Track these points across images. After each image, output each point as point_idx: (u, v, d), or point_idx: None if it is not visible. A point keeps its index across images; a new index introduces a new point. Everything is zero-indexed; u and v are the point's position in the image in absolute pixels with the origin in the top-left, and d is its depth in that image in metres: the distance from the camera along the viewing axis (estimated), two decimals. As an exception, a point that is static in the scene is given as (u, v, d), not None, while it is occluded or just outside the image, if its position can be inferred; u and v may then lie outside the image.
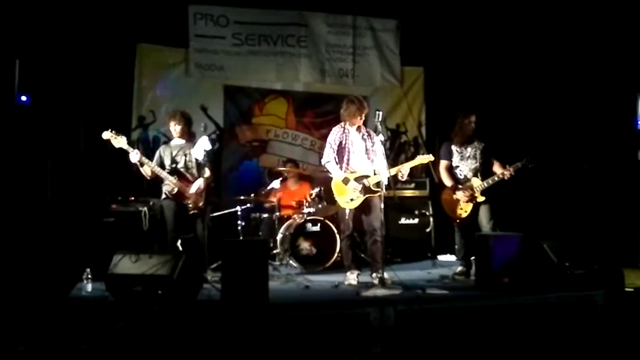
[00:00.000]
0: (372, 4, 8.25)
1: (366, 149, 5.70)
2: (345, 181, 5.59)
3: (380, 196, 5.48)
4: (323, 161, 5.79)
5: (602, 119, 7.32)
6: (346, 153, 5.68)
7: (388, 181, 5.51)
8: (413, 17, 8.32)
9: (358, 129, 5.73)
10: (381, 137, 5.56)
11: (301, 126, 8.27)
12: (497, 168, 5.90)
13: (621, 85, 7.19)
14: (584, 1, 7.37)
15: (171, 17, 7.58)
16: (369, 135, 5.74)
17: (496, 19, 7.88)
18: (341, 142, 5.69)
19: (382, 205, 5.43)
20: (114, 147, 5.58)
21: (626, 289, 4.96)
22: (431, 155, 5.84)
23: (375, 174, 5.57)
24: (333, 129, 5.80)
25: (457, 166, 6.03)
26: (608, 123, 7.28)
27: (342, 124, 5.77)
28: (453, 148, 6.06)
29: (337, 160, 5.68)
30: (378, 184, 5.51)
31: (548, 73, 7.70)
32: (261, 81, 8.10)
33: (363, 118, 5.70)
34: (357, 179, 5.59)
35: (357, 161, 5.69)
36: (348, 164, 5.68)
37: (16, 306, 4.27)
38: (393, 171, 5.65)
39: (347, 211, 5.65)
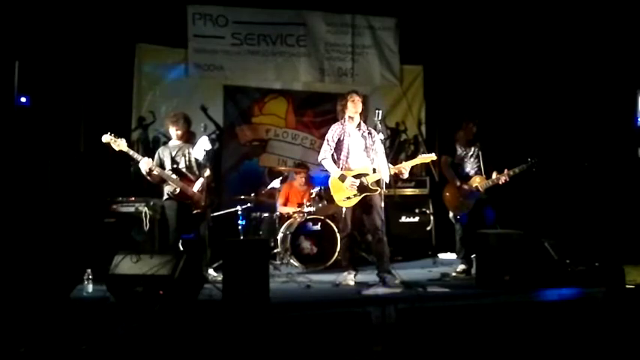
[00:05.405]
0: (371, 3, 8.25)
1: (366, 147, 5.56)
2: (342, 178, 5.47)
3: (380, 194, 5.44)
4: (319, 158, 5.68)
5: (602, 116, 7.31)
6: (344, 150, 5.57)
7: (389, 180, 5.48)
8: (412, 15, 8.32)
9: (358, 126, 5.61)
10: (381, 135, 5.53)
11: (301, 125, 8.27)
12: (494, 174, 5.94)
13: (621, 82, 7.18)
14: (583, -1, 7.38)
15: (170, 17, 7.59)
16: (370, 133, 5.59)
17: (495, 16, 7.87)
18: (340, 139, 5.58)
19: (383, 204, 5.40)
20: (114, 150, 5.57)
21: (627, 286, 4.96)
22: (433, 154, 5.72)
23: (374, 172, 5.48)
24: (332, 126, 5.69)
25: (459, 164, 6.06)
26: (609, 120, 7.27)
27: (342, 121, 5.66)
28: (457, 146, 6.14)
29: (335, 157, 5.59)
30: (377, 183, 5.44)
31: (548, 71, 7.69)
32: (261, 80, 8.11)
33: (358, 111, 5.56)
34: (355, 177, 5.48)
35: (356, 159, 5.56)
36: (346, 161, 5.57)
37: (17, 307, 4.28)
38: (394, 169, 5.61)
39: (344, 210, 5.57)
